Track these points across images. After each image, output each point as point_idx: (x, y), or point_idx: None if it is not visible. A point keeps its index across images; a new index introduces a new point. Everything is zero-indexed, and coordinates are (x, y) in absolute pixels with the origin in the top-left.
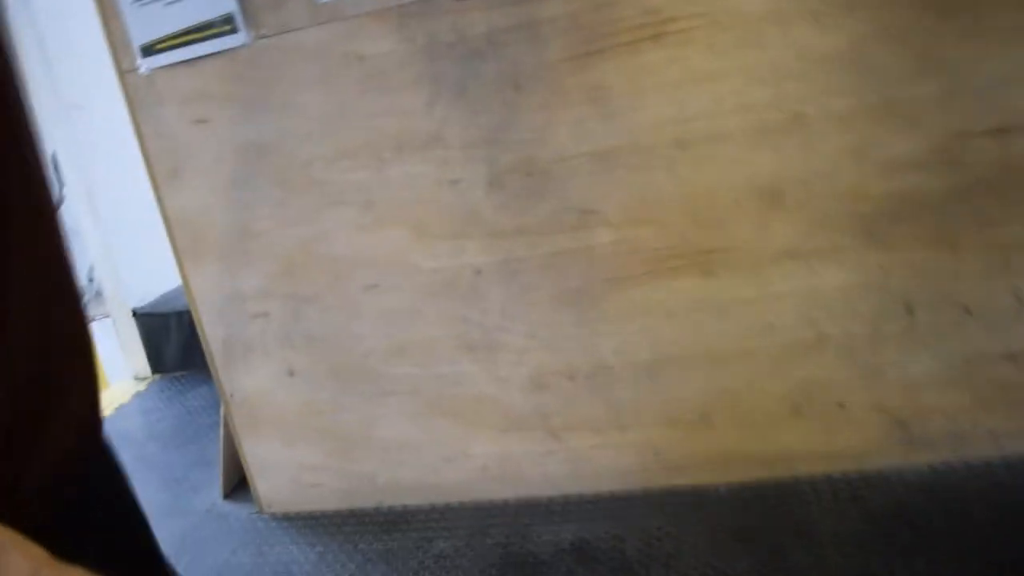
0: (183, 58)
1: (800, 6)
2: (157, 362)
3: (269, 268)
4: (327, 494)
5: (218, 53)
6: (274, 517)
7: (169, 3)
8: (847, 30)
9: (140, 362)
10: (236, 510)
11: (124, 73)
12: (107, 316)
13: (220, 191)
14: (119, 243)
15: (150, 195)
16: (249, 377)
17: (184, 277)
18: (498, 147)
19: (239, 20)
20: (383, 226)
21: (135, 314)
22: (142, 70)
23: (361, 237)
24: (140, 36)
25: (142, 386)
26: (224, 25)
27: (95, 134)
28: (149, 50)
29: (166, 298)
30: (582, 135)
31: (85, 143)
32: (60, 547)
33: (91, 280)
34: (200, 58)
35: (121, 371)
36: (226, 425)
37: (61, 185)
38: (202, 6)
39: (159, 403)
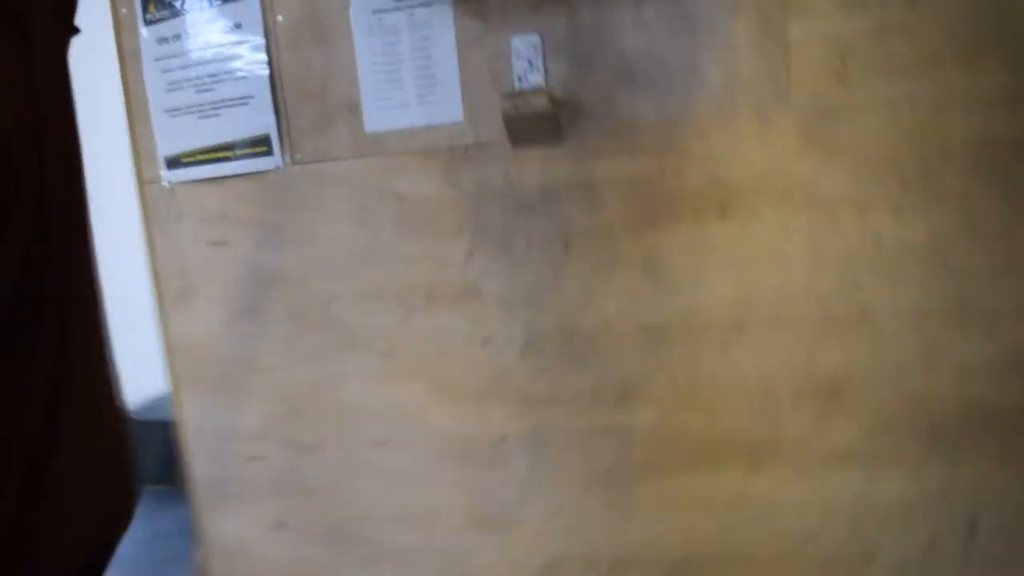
0: (209, 175)
1: (880, 193)
2: (142, 472)
3: (271, 408)
4: None
5: (247, 174)
6: None
7: (204, 117)
8: (928, 224)
9: None
10: None
11: (144, 183)
12: None
13: (229, 319)
14: (112, 335)
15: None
16: (234, 524)
17: (177, 406)
18: (539, 309)
19: (276, 143)
20: (402, 378)
21: None
22: (164, 183)
23: (376, 387)
24: (167, 147)
25: None
26: (259, 146)
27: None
28: (175, 163)
29: (155, 404)
30: (632, 305)
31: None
32: None
33: None
34: (227, 177)
35: None
36: (201, 574)
37: None
38: (238, 124)
39: (142, 531)
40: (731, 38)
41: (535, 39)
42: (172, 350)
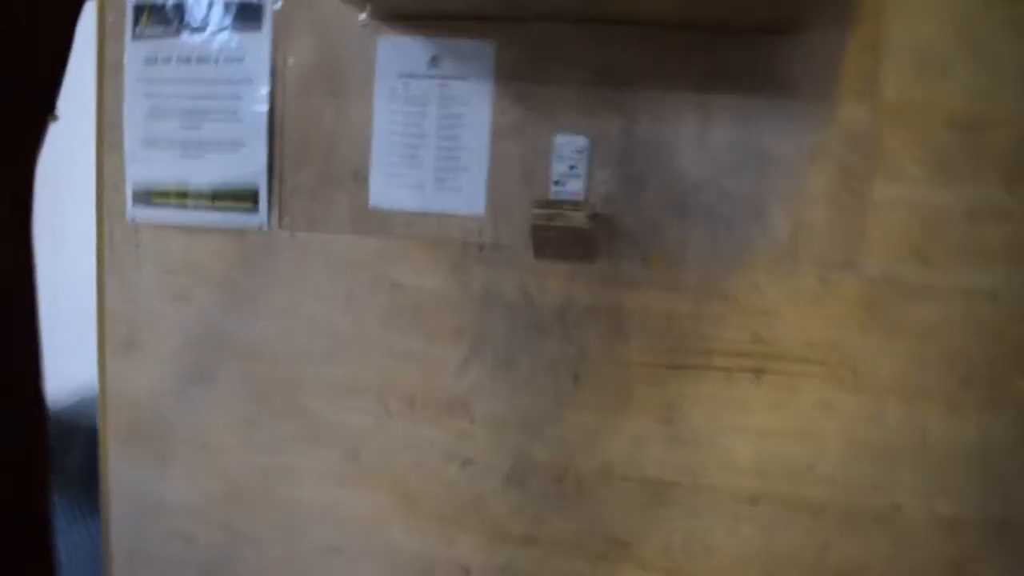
0: (181, 222)
1: (937, 388)
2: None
3: (210, 488)
4: None
5: (225, 228)
6: None
7: (185, 156)
8: (983, 428)
9: None
10: None
11: (104, 216)
12: None
13: (179, 384)
14: (48, 323)
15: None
16: None
17: (104, 465)
18: (532, 439)
19: (264, 200)
20: (366, 485)
21: None
22: (128, 219)
23: (335, 489)
24: (138, 179)
25: None
26: (244, 201)
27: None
28: (143, 200)
29: (82, 405)
30: (638, 454)
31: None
32: None
33: None
34: (200, 227)
35: None
36: None
37: None
38: (224, 171)
39: None
40: (806, 185)
41: (582, 142)
42: (107, 405)
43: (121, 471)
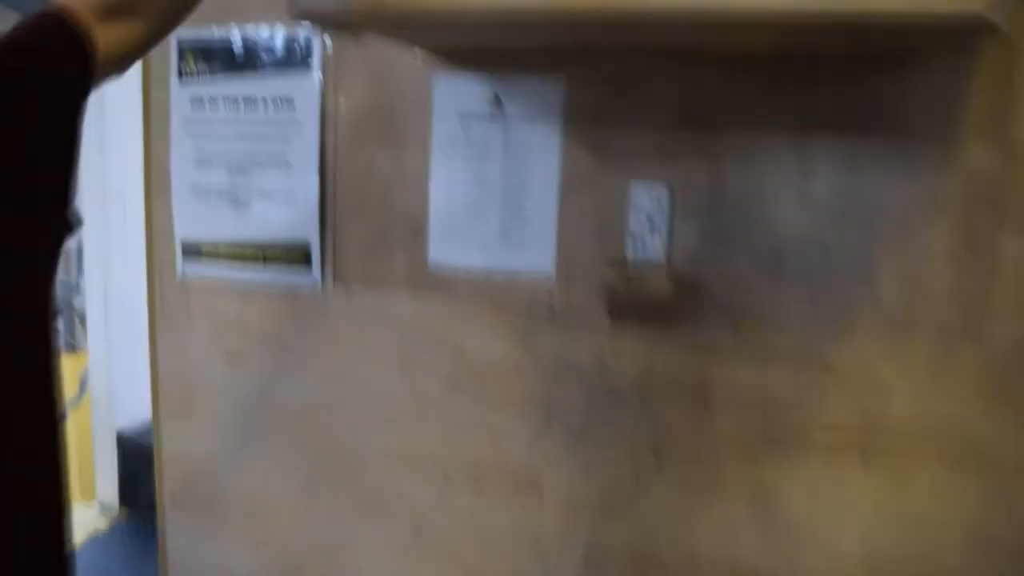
0: (231, 278)
1: None
2: (130, 495)
3: (272, 558)
4: None
5: (278, 285)
6: None
7: (235, 204)
8: None
9: (110, 490)
10: None
11: (154, 268)
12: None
13: (236, 446)
14: (125, 344)
15: None
16: None
17: (162, 527)
18: (609, 519)
19: (316, 256)
20: (430, 562)
21: (119, 437)
22: (179, 271)
23: (398, 565)
24: (186, 231)
25: (103, 523)
26: (296, 256)
27: (126, 223)
28: (193, 252)
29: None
30: (728, 541)
31: (115, 229)
32: None
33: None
34: (254, 283)
35: (85, 495)
36: None
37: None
38: (274, 224)
39: (117, 558)
40: (922, 241)
41: (662, 191)
42: (163, 467)
43: (179, 537)
